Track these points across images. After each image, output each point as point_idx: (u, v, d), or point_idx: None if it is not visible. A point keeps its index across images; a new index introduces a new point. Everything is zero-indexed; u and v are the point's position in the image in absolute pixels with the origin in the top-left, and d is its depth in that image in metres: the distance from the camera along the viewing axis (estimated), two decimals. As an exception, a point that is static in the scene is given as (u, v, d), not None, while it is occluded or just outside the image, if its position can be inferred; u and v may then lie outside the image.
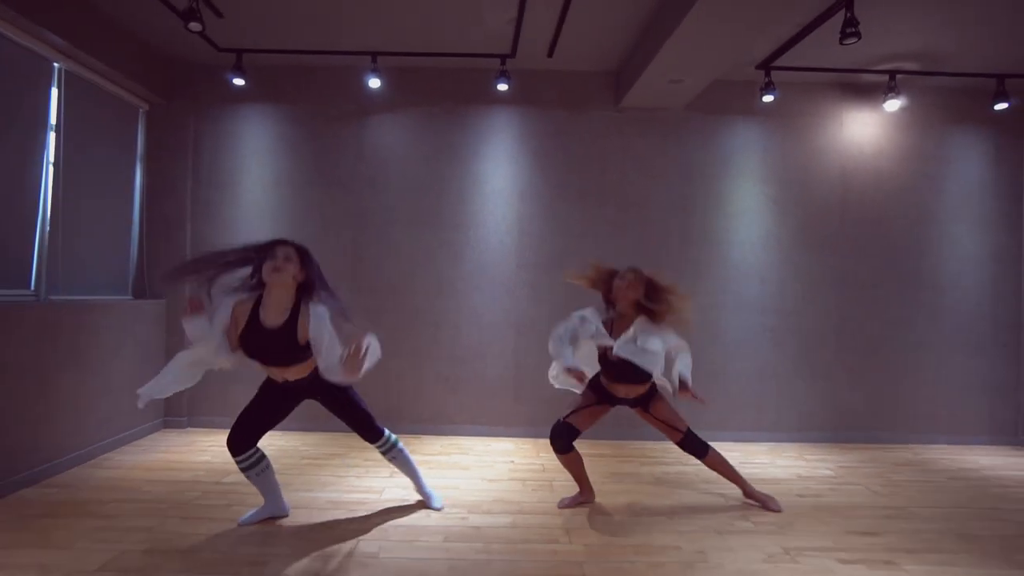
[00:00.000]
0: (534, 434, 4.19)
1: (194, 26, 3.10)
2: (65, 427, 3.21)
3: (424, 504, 2.80)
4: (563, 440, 2.81)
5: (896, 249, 4.35)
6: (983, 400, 4.35)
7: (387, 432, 2.72)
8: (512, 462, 3.63)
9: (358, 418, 2.63)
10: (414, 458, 2.86)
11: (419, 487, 2.82)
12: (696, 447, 2.88)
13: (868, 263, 4.35)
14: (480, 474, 3.37)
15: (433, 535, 2.48)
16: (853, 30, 3.06)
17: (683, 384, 2.75)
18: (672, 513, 2.82)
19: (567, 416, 2.85)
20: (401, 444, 2.78)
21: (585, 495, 2.92)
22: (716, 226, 4.31)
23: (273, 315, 2.35)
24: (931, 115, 4.37)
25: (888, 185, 4.36)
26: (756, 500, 2.92)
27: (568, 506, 2.88)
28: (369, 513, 2.70)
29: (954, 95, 4.36)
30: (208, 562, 2.16)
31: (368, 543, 2.38)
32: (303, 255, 2.41)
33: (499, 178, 4.26)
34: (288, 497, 2.88)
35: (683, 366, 2.80)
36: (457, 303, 4.24)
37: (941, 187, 4.37)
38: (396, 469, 2.84)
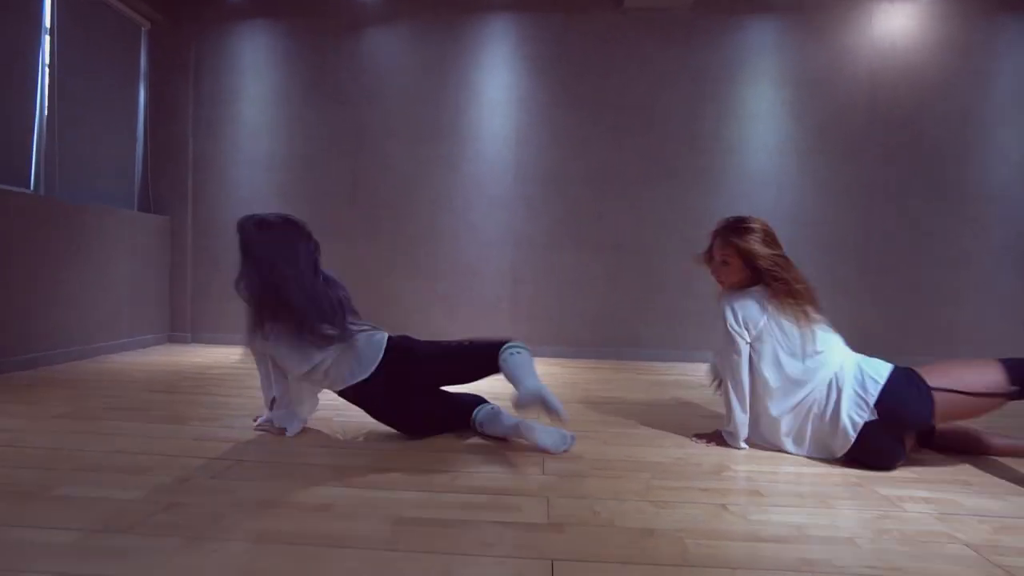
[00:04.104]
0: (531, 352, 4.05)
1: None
2: (64, 321, 3.29)
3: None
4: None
5: (932, 155, 3.95)
6: (1032, 321, 3.93)
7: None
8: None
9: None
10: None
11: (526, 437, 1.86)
12: None
13: (900, 170, 3.97)
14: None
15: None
16: None
17: None
18: (657, 404, 2.64)
19: None
20: (489, 407, 1.99)
21: None
22: (727, 132, 4.02)
23: None
24: (972, 2, 3.91)
25: (924, 83, 3.95)
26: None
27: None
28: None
29: (1004, -23, 3.89)
30: (165, 416, 2.14)
31: (339, 412, 2.32)
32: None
33: (496, 88, 4.10)
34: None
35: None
36: (453, 218, 4.12)
37: (987, 84, 3.92)
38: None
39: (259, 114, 4.23)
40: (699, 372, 3.56)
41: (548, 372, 3.43)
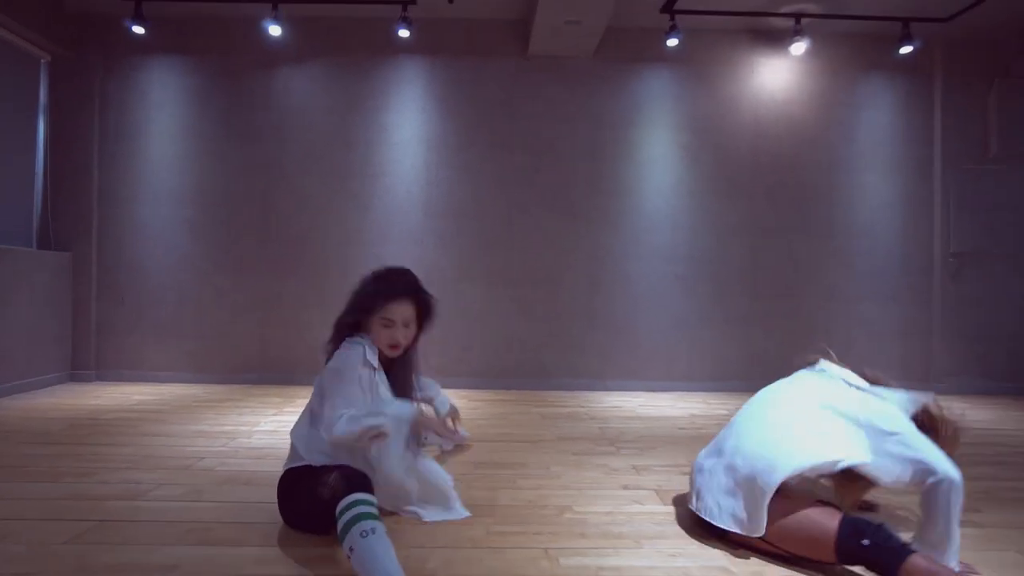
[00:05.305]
0: (440, 384, 4.17)
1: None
2: (-53, 367, 3.21)
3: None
4: None
5: (809, 196, 4.35)
6: (895, 347, 4.36)
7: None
8: (408, 404, 3.63)
9: None
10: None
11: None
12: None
13: (780, 210, 4.35)
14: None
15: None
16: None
17: None
18: (538, 440, 2.83)
19: None
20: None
21: None
22: (626, 174, 4.30)
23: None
24: (840, 61, 4.36)
25: (800, 132, 4.35)
26: None
27: None
28: (232, 439, 2.70)
29: (861, 40, 4.34)
30: (38, 474, 2.16)
31: (212, 459, 2.38)
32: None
33: (406, 127, 4.24)
34: (156, 429, 2.90)
35: None
36: (365, 252, 4.22)
37: (852, 134, 4.36)
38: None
39: (168, 149, 4.22)
40: (595, 403, 3.78)
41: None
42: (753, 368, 4.33)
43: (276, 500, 1.72)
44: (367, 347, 1.77)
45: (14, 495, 1.94)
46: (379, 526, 1.36)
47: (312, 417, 1.74)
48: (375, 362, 1.77)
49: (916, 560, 1.31)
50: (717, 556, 1.58)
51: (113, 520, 1.74)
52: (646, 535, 1.72)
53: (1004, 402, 4.04)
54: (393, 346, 1.80)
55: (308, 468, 1.65)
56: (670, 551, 1.61)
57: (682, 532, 1.74)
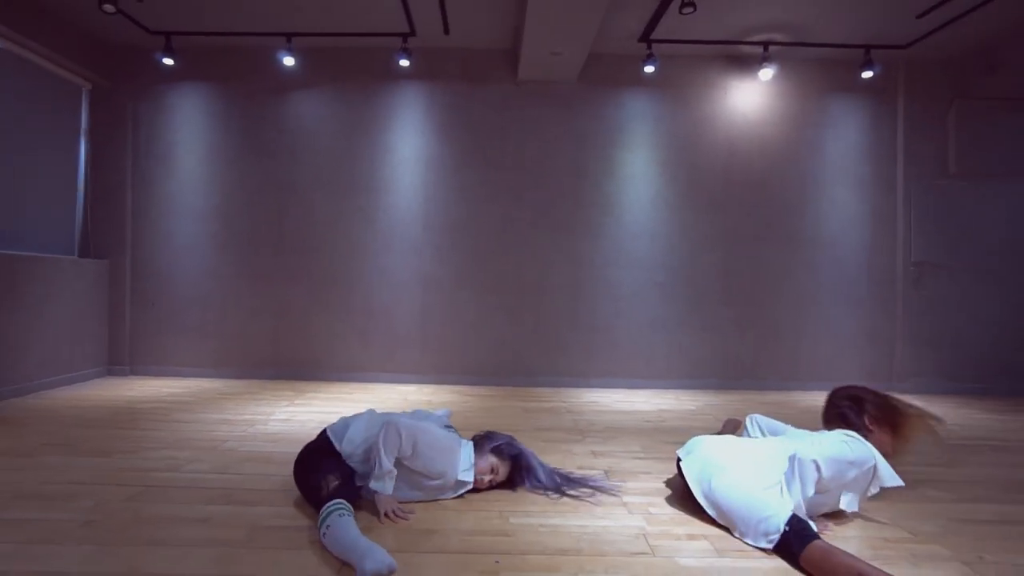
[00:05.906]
0: (438, 380, 4.60)
1: (108, 8, 3.53)
2: (3, 362, 3.68)
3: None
4: None
5: (779, 209, 4.69)
6: (860, 349, 4.69)
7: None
8: (406, 398, 4.05)
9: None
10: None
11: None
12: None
13: (752, 222, 4.69)
14: (377, 398, 3.80)
15: (296, 444, 2.90)
16: (690, 1, 3.44)
17: None
18: (516, 430, 3.21)
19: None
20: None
21: None
22: (608, 190, 4.67)
23: None
24: (807, 85, 4.70)
25: (771, 150, 4.69)
26: None
27: None
28: (251, 426, 3.13)
29: (826, 65, 4.67)
30: (93, 450, 2.60)
31: (234, 442, 2.81)
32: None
33: (406, 148, 4.66)
34: (185, 416, 3.34)
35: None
36: (369, 263, 4.65)
37: (820, 152, 4.69)
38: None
39: (194, 168, 4.68)
40: (575, 399, 4.17)
41: (448, 401, 3.98)
42: (727, 369, 4.69)
43: (293, 466, 2.08)
44: (464, 454, 2.17)
45: (75, 466, 2.38)
46: (349, 516, 1.70)
47: (371, 425, 2.09)
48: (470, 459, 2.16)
49: (817, 544, 1.59)
50: (637, 519, 1.97)
51: (157, 486, 2.17)
52: (585, 503, 2.10)
53: (963, 401, 4.36)
54: (489, 477, 2.18)
55: (331, 450, 2.03)
56: (600, 515, 2.00)
57: (616, 502, 2.12)
